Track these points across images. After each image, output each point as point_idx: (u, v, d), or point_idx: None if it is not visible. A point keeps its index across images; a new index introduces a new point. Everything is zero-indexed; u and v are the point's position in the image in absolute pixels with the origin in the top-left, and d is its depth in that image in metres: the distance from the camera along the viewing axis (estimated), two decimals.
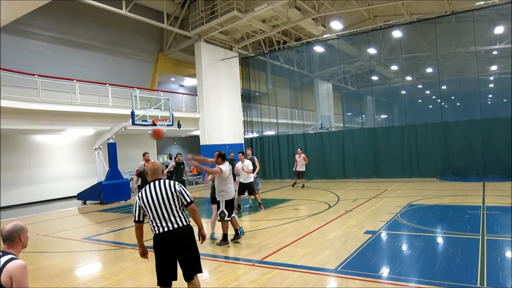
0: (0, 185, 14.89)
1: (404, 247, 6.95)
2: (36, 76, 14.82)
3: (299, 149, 16.81)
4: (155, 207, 4.01)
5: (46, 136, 18.62)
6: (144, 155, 12.33)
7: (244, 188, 10.99)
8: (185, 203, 4.14)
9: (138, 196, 4.14)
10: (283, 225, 8.88)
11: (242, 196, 11.35)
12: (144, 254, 4.33)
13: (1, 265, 3.06)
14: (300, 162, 16.20)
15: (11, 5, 6.53)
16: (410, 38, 22.16)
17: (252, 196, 11.37)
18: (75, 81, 16.10)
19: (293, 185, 16.74)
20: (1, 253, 3.18)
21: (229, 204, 7.44)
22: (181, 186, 4.17)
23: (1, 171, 16.49)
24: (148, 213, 4.06)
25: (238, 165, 10.97)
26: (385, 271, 5.61)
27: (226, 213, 7.34)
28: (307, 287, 5.00)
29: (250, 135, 23.62)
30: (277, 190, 16.57)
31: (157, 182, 4.14)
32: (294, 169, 16.55)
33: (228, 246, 7.27)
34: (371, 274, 5.35)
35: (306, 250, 6.71)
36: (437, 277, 5.08)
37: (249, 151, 12.74)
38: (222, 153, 7.49)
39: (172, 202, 4.04)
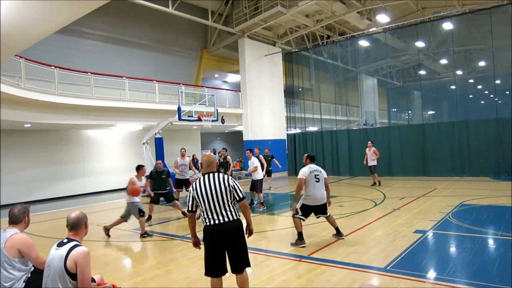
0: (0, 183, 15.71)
1: (457, 248, 6.64)
2: (89, 73, 15.54)
3: (369, 142, 15.57)
4: (208, 199, 4.10)
5: (98, 131, 19.50)
6: (180, 150, 12.78)
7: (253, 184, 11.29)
8: (237, 198, 4.21)
9: (192, 187, 4.24)
10: (327, 222, 8.76)
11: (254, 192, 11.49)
12: (196, 244, 4.42)
13: (67, 250, 3.26)
14: (371, 156, 15.04)
15: (70, 6, 6.85)
16: (462, 30, 21.08)
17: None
18: (124, 78, 16.74)
19: (372, 185, 15.21)
20: (67, 240, 3.39)
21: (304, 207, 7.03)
22: (234, 181, 4.23)
23: (57, 164, 17.52)
24: (201, 204, 4.15)
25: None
26: (437, 271, 5.38)
27: (300, 212, 7.00)
28: (355, 286, 4.91)
29: (293, 131, 23.51)
30: None
31: (211, 174, 4.23)
32: (364, 163, 15.51)
33: (304, 246, 6.83)
34: (422, 274, 5.18)
35: (353, 247, 6.60)
36: (493, 280, 4.83)
37: (257, 150, 13.35)
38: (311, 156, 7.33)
39: (224, 196, 4.11)
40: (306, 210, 6.99)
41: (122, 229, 9.55)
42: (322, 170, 7.13)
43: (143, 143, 16.52)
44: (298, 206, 7.02)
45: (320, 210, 7.06)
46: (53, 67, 14.35)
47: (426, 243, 6.88)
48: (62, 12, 7.32)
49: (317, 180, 6.91)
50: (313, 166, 7.07)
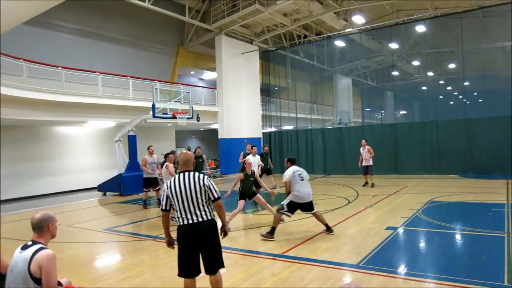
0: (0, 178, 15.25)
1: (427, 244, 6.84)
2: (60, 68, 15.08)
3: (363, 141, 14.53)
4: (182, 199, 4.03)
5: (69, 128, 18.96)
6: (148, 148, 12.33)
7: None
8: (212, 198, 4.14)
9: (167, 185, 4.16)
10: (302, 220, 8.82)
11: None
12: (170, 244, 4.36)
13: (31, 254, 3.11)
14: (365, 156, 14.08)
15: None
16: (434, 33, 21.67)
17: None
18: (97, 73, 16.33)
19: (364, 185, 14.26)
20: (31, 242, 3.24)
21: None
22: (210, 181, 4.16)
23: (26, 162, 16.94)
24: (174, 203, 4.08)
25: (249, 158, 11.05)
26: (408, 267, 5.52)
27: (286, 208, 7.27)
28: (328, 283, 4.96)
29: (268, 129, 23.58)
30: None
31: (187, 173, 4.15)
32: (359, 165, 14.33)
33: (273, 240, 7.09)
34: (394, 270, 5.30)
35: (327, 245, 6.67)
36: (462, 274, 4.99)
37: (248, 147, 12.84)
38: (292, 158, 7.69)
39: (199, 195, 4.05)
40: (293, 207, 7.26)
41: (93, 230, 9.33)
42: (304, 171, 7.49)
43: (116, 141, 16.20)
44: (285, 202, 7.25)
45: (307, 207, 7.34)
46: (21, 60, 13.84)
47: (397, 239, 7.03)
48: (26, 4, 7.03)
49: (302, 179, 7.26)
50: (295, 168, 7.39)
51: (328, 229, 7.39)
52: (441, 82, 31.07)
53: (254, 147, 12.18)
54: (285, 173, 7.37)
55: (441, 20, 19.43)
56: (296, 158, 20.75)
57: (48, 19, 16.36)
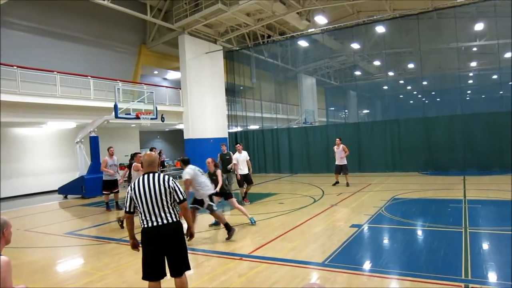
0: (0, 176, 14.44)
1: (390, 240, 7.06)
2: (15, 67, 14.39)
3: (337, 139, 14.22)
4: (146, 200, 3.94)
5: (26, 129, 18.15)
6: (108, 149, 12.03)
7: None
8: (177, 200, 4.08)
9: (130, 187, 4.06)
10: (268, 219, 8.90)
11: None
12: (135, 246, 4.26)
13: None
14: (339, 154, 13.79)
15: None
16: (393, 34, 22.40)
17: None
18: (55, 73, 15.70)
19: (334, 184, 14.06)
20: None
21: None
22: (175, 183, 4.09)
23: None
24: (138, 205, 3.99)
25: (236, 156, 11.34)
26: (371, 264, 5.67)
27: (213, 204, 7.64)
28: (294, 282, 5.01)
29: (234, 129, 23.55)
30: (261, 184, 16.57)
31: (151, 175, 4.06)
32: (337, 163, 13.99)
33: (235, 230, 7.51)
34: (358, 267, 5.42)
35: (293, 244, 6.73)
36: (423, 269, 5.16)
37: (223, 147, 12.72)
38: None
39: (164, 197, 3.97)
40: (198, 202, 7.69)
41: (54, 234, 8.97)
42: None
43: (77, 142, 15.70)
44: (206, 200, 7.54)
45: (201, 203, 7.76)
46: None
47: (361, 236, 7.20)
48: None
49: (202, 173, 7.73)
50: (193, 167, 7.66)
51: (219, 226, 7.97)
52: (401, 81, 32.23)
53: (240, 144, 12.02)
54: (184, 171, 7.53)
55: (399, 21, 20.05)
56: (263, 157, 20.79)
57: (1, 16, 15.55)
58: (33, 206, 13.97)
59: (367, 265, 5.63)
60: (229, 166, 11.27)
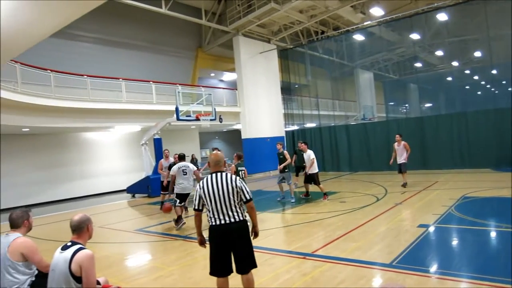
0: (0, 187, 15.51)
1: (462, 242, 6.63)
2: (85, 76, 15.46)
3: (397, 136, 13.02)
4: (214, 199, 4.06)
5: (96, 133, 19.44)
6: (163, 152, 12.43)
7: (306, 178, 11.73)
8: (244, 200, 4.16)
9: (199, 185, 4.20)
10: (331, 218, 8.76)
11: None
12: (202, 243, 4.40)
13: (71, 254, 3.24)
14: (401, 153, 12.67)
15: (64, 10, 6.79)
16: (456, 21, 21.01)
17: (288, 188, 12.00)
18: (121, 79, 16.66)
19: (403, 185, 12.66)
20: (70, 243, 3.37)
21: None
22: (242, 182, 4.18)
23: (56, 167, 17.48)
24: (207, 203, 4.12)
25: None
26: (443, 266, 5.36)
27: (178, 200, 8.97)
28: (361, 282, 4.89)
29: (291, 128, 23.46)
30: (321, 182, 16.28)
31: (219, 174, 4.18)
32: (391, 162, 13.10)
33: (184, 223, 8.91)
34: (429, 270, 5.15)
35: (357, 244, 6.57)
36: (500, 274, 4.78)
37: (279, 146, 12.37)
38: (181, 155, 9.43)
39: (231, 196, 4.07)
40: (180, 197, 8.98)
41: (125, 230, 9.52)
42: (190, 165, 9.22)
43: (142, 144, 16.49)
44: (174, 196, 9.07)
45: (184, 198, 9.06)
46: (49, 71, 14.27)
47: (430, 237, 6.85)
48: (57, 15, 7.26)
49: (185, 173, 8.97)
50: (181, 164, 9.08)
51: (177, 221, 8.80)
52: (467, 71, 30.19)
53: (301, 143, 12.12)
54: (173, 168, 9.06)
55: (463, 6, 18.74)
56: (321, 155, 20.49)
57: (70, 30, 16.75)
58: (105, 205, 14.94)
59: (438, 267, 5.33)
60: (281, 166, 11.56)
